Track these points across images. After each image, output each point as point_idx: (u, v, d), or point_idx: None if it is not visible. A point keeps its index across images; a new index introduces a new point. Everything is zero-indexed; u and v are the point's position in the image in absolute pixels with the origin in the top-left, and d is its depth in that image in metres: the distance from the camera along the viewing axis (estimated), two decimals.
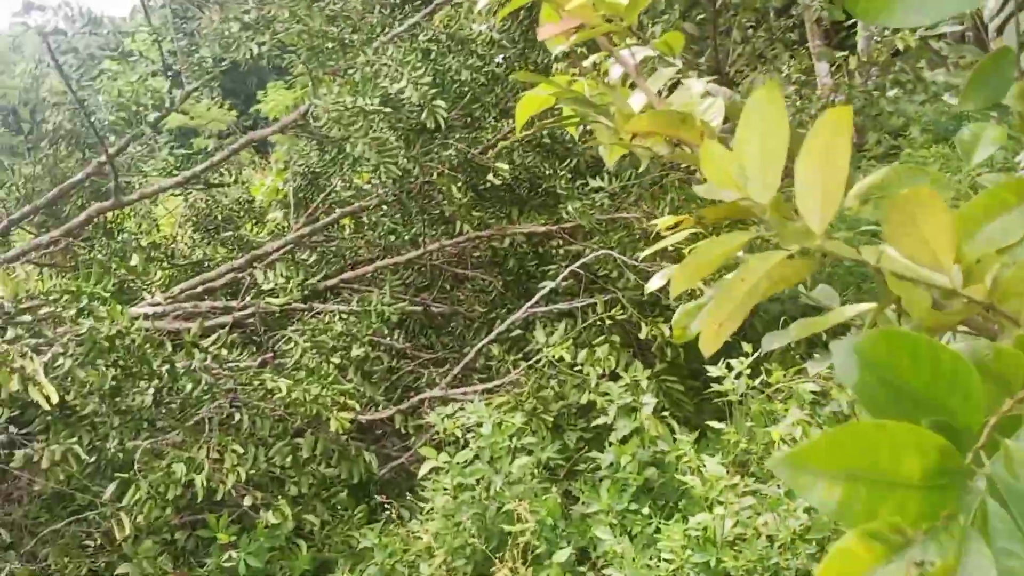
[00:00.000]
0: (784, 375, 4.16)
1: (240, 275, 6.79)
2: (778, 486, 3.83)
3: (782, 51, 6.81)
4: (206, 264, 7.35)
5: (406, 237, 6.67)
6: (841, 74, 7.67)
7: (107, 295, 4.55)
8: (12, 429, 4.67)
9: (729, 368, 4.15)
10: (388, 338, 5.96)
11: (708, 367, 4.39)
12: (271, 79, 14.67)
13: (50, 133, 7.30)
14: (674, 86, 1.55)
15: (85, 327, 4.32)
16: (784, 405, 4.17)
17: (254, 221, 7.85)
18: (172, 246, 7.54)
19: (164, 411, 4.97)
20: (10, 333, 4.18)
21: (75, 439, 4.25)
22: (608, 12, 1.37)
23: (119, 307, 4.44)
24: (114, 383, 4.42)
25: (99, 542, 4.98)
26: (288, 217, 7.88)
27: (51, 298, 4.56)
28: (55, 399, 3.75)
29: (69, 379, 4.26)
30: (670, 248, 1.66)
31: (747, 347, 4.18)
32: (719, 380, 4.16)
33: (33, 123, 7.67)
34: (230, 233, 7.53)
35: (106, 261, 5.52)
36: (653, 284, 1.66)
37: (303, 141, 7.60)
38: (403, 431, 5.33)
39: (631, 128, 1.25)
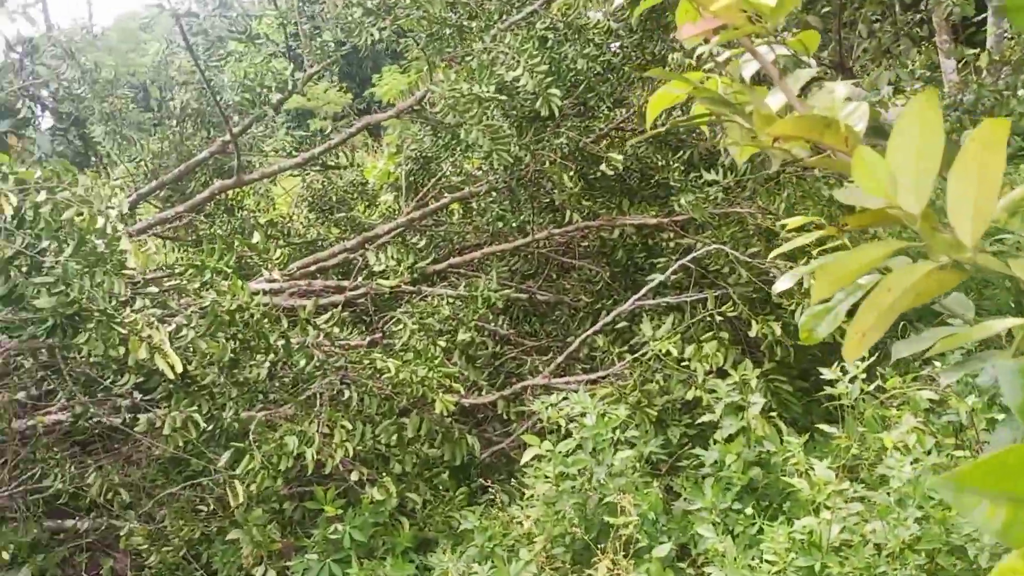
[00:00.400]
0: (902, 381, 4.04)
1: (351, 256, 6.96)
2: (888, 494, 3.73)
3: (909, 46, 6.57)
4: (319, 244, 7.55)
5: (513, 224, 6.71)
6: (968, 71, 7.38)
7: (229, 270, 4.71)
8: (136, 395, 4.90)
9: (844, 371, 4.05)
10: (492, 324, 6.02)
11: (820, 368, 4.29)
12: (386, 63, 14.91)
13: (177, 111, 7.59)
14: (806, 86, 1.53)
15: (208, 300, 4.49)
16: (898, 411, 4.06)
17: (366, 203, 8.01)
18: (288, 225, 7.78)
19: (276, 385, 5.14)
20: (137, 303, 4.37)
21: (195, 407, 4.43)
22: (753, 12, 1.36)
23: (240, 282, 4.60)
24: (233, 355, 4.58)
25: (212, 507, 5.20)
26: (399, 200, 8.02)
27: (176, 271, 4.76)
28: (179, 368, 3.92)
29: (191, 350, 4.44)
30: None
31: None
32: (832, 383, 4.06)
33: (161, 101, 7.98)
34: (343, 214, 7.71)
35: (228, 237, 5.71)
36: (781, 285, 1.65)
37: (417, 126, 7.72)
38: (505, 417, 5.38)
39: (774, 132, 1.23)
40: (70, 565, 5.39)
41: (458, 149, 7.17)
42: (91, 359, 4.68)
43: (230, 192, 7.38)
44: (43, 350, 4.71)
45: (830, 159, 1.26)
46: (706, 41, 1.53)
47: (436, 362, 4.83)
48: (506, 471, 5.31)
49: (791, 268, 4.97)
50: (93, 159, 7.57)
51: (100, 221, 3.91)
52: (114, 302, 4.07)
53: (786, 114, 1.39)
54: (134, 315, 4.14)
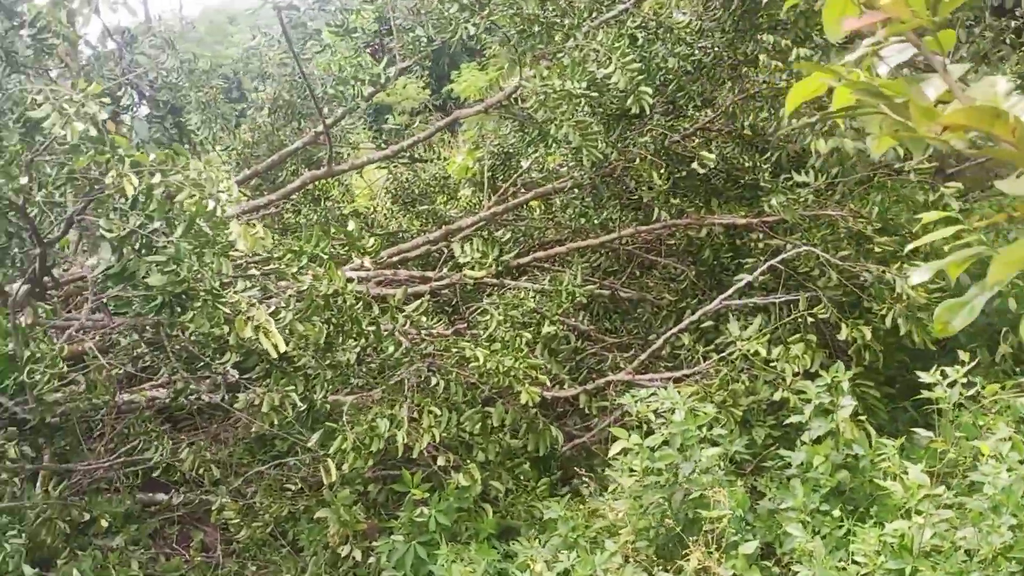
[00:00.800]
0: (1002, 388, 3.99)
1: (432, 247, 7.07)
2: (981, 501, 3.70)
3: (1009, 52, 6.45)
4: (399, 235, 7.70)
5: (595, 221, 6.75)
6: None
7: (325, 256, 4.84)
8: (233, 374, 5.07)
9: (943, 375, 4.01)
10: (573, 320, 6.07)
11: (913, 374, 4.27)
12: (463, 60, 15.06)
13: (269, 103, 7.80)
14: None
15: (306, 284, 4.62)
16: (993, 419, 4.01)
17: (447, 197, 8.12)
18: (371, 216, 7.93)
19: (364, 370, 5.26)
20: (239, 285, 4.52)
21: (292, 388, 4.56)
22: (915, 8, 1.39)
23: (335, 268, 4.73)
24: (327, 339, 4.71)
25: (298, 486, 5.35)
26: (478, 194, 8.12)
27: (275, 255, 4.90)
28: (282, 348, 4.04)
29: (288, 331, 4.57)
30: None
31: (964, 356, 4.03)
32: (930, 387, 4.03)
33: (249, 92, 8.20)
34: (426, 207, 7.83)
35: (324, 225, 5.86)
36: (919, 277, 1.67)
37: (502, 121, 7.81)
38: (586, 411, 5.43)
39: (944, 121, 1.27)
40: (161, 536, 5.60)
41: (542, 145, 7.24)
42: (193, 337, 4.86)
43: (315, 182, 7.54)
44: (147, 328, 4.89)
45: (998, 149, 1.29)
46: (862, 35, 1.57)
47: (522, 353, 4.90)
48: (586, 465, 5.36)
49: (882, 272, 4.95)
50: (186, 147, 7.81)
51: (211, 204, 4.05)
52: (219, 283, 4.21)
53: (937, 107, 1.42)
54: (236, 296, 4.28)
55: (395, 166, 7.77)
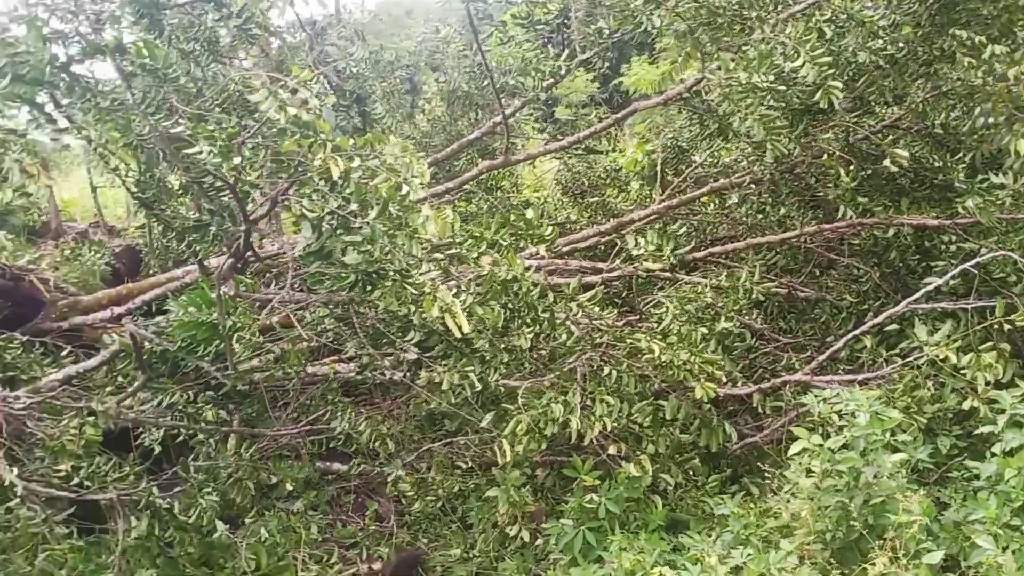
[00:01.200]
0: None
1: (602, 239, 7.11)
2: None
3: None
4: (567, 225, 7.77)
5: (773, 218, 6.62)
6: None
7: (504, 243, 4.96)
8: (412, 352, 5.26)
9: None
10: (747, 317, 5.98)
11: None
12: (632, 54, 14.98)
13: (447, 94, 8.03)
14: None
15: (485, 269, 4.75)
16: None
17: (618, 189, 8.15)
18: (541, 206, 8.05)
19: (535, 356, 5.36)
20: (423, 268, 4.69)
21: (471, 368, 4.70)
22: None
23: (514, 255, 4.84)
24: (504, 323, 4.82)
25: (468, 465, 5.51)
26: (647, 187, 8.11)
27: (456, 240, 5.06)
28: (467, 329, 4.17)
29: (468, 314, 4.71)
30: None
31: None
32: None
33: (413, 84, 8.46)
34: (596, 199, 7.88)
35: (505, 212, 6.00)
36: None
37: (676, 115, 7.77)
38: (759, 410, 5.35)
39: None
40: (337, 504, 5.88)
41: (719, 139, 7.16)
42: (380, 315, 5.09)
43: (487, 173, 7.71)
44: (337, 304, 5.15)
45: None
46: None
47: (699, 348, 4.88)
48: (755, 464, 5.28)
49: None
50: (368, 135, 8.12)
51: (404, 188, 4.22)
52: (407, 264, 4.39)
53: None
54: (422, 277, 4.45)
55: (569, 157, 7.85)
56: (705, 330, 5.21)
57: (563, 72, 6.41)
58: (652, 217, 6.94)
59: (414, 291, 4.36)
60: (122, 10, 5.11)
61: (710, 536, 4.41)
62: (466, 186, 7.66)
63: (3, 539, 4.53)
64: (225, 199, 5.75)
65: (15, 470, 4.67)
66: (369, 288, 4.52)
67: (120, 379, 5.97)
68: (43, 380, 5.66)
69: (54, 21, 5.13)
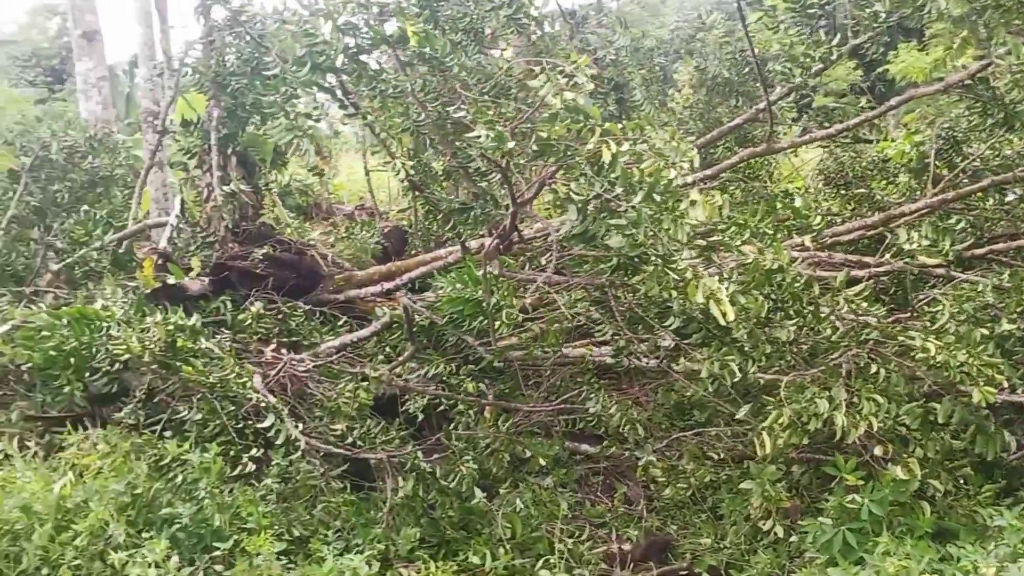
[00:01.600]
0: None
1: (867, 232, 6.79)
2: None
3: None
4: (827, 218, 7.46)
5: None
6: None
7: (769, 232, 4.84)
8: (669, 339, 5.27)
9: None
10: None
11: None
12: (899, 40, 14.12)
13: (708, 80, 7.93)
14: None
15: (749, 258, 4.66)
16: None
17: (886, 181, 7.73)
18: (803, 196, 7.77)
19: (795, 350, 5.20)
20: (684, 253, 4.67)
21: (731, 358, 4.64)
22: None
23: (780, 244, 4.71)
24: (766, 314, 4.72)
25: (721, 456, 5.45)
26: (918, 180, 7.62)
27: (719, 227, 4.99)
28: (731, 317, 4.12)
29: (730, 302, 4.65)
30: None
31: None
32: None
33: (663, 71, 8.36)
34: (861, 190, 7.52)
35: (771, 200, 5.87)
36: None
37: (947, 104, 7.26)
38: None
39: None
40: (586, 484, 5.99)
41: (1001, 130, 6.63)
42: (637, 300, 5.13)
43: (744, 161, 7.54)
44: (596, 288, 5.24)
45: None
46: None
47: (979, 349, 4.55)
48: None
49: None
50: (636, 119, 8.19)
51: (671, 173, 4.22)
52: (671, 249, 4.39)
53: None
54: (684, 263, 4.43)
55: (836, 146, 7.54)
56: (985, 331, 4.85)
57: (834, 58, 6.17)
58: (924, 211, 6.55)
59: (676, 276, 4.35)
60: (408, 1, 5.43)
61: (984, 548, 4.12)
62: (724, 174, 7.56)
63: (285, 489, 4.98)
64: (487, 183, 6.01)
65: (300, 426, 5.13)
66: (631, 272, 4.57)
67: (388, 349, 6.41)
68: (322, 346, 6.17)
69: (345, 14, 5.56)
